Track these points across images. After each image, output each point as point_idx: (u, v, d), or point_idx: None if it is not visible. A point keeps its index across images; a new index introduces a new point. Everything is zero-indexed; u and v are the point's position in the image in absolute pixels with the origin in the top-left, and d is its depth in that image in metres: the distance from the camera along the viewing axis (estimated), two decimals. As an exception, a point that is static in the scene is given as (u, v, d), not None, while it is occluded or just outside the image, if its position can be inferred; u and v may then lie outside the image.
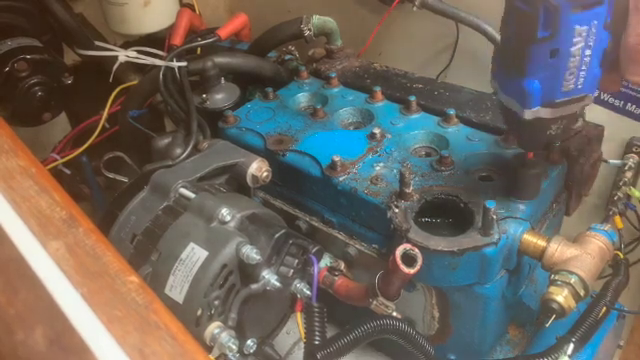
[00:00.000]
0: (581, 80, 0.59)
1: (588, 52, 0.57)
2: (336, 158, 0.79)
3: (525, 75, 0.59)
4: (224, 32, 1.16)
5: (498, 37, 0.79)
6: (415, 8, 1.12)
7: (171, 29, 1.18)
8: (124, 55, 1.12)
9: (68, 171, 1.15)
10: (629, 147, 1.02)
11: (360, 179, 0.78)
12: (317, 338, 0.66)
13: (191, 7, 1.27)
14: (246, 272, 0.67)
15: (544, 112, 0.61)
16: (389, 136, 0.86)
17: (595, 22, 0.56)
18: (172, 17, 1.21)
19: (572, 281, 0.64)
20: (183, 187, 0.74)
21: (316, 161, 0.82)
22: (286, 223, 0.77)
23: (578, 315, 0.70)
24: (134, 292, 0.41)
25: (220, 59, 1.02)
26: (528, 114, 0.61)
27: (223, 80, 1.02)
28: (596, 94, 0.76)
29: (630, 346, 0.94)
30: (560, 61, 0.58)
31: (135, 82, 1.15)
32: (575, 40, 0.56)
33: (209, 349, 0.65)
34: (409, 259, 0.63)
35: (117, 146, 1.09)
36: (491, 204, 0.65)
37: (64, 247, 0.44)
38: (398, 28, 1.25)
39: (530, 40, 0.57)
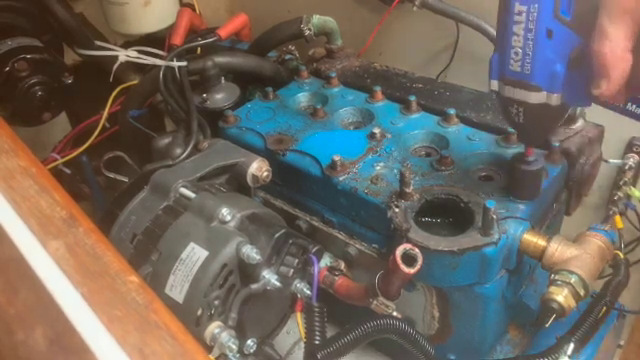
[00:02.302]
0: (528, 66, 0.60)
1: (530, 36, 0.59)
2: (336, 158, 0.79)
3: (495, 45, 0.64)
4: (224, 32, 1.16)
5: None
6: (415, 8, 1.12)
7: (171, 29, 1.18)
8: (124, 55, 1.12)
9: (68, 171, 1.15)
10: (629, 147, 1.02)
11: (360, 179, 0.78)
12: (317, 338, 0.66)
13: (191, 7, 1.27)
14: (246, 272, 0.67)
15: (501, 87, 0.65)
16: (389, 136, 0.86)
17: (535, 6, 0.57)
18: (172, 17, 1.21)
19: (572, 281, 0.64)
20: (183, 187, 0.74)
21: (316, 161, 0.82)
22: (286, 223, 0.77)
23: (578, 315, 0.70)
24: (134, 292, 0.41)
25: (220, 59, 1.02)
26: (490, 84, 0.66)
27: (223, 80, 1.02)
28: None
29: (630, 346, 0.94)
30: (507, 36, 0.60)
31: (135, 82, 1.15)
32: (516, 18, 0.59)
33: (209, 349, 0.65)
34: (409, 259, 0.63)
35: (117, 146, 1.09)
36: (491, 204, 0.65)
37: (64, 247, 0.44)
38: (398, 28, 1.25)
39: (499, 10, 0.61)
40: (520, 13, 0.58)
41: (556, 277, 0.66)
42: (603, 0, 0.53)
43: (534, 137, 0.69)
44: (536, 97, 0.62)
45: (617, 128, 0.97)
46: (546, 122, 0.65)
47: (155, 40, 1.22)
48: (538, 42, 0.58)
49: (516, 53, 0.60)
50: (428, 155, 0.84)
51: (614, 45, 0.54)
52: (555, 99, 0.61)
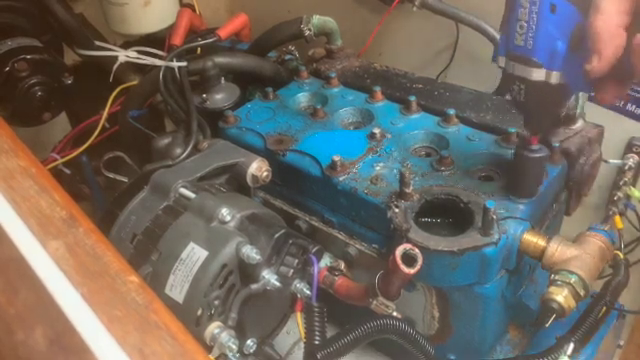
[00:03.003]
0: (530, 41, 0.61)
1: (535, 9, 0.59)
2: (336, 158, 0.79)
3: (503, 22, 0.65)
4: (224, 32, 1.16)
5: (498, 37, 0.79)
6: (415, 8, 1.13)
7: (171, 29, 1.18)
8: (124, 55, 1.12)
9: (68, 171, 1.15)
10: (629, 147, 1.02)
11: (360, 179, 0.78)
12: (317, 338, 0.66)
13: (191, 7, 1.27)
14: (246, 272, 0.67)
15: (507, 64, 0.65)
16: (389, 136, 0.86)
17: None
18: (172, 17, 1.21)
19: (572, 281, 0.64)
20: (183, 187, 0.74)
21: (316, 161, 0.82)
22: (286, 223, 0.77)
23: (578, 315, 0.70)
24: (134, 292, 0.41)
25: (220, 59, 1.02)
26: (498, 60, 0.66)
27: (223, 80, 1.02)
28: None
29: (630, 346, 0.94)
30: (515, 8, 0.61)
31: (135, 82, 1.15)
32: None
33: (209, 349, 0.65)
34: (409, 259, 0.63)
35: (117, 146, 1.09)
36: (491, 204, 0.65)
37: (64, 247, 0.44)
38: (398, 28, 1.25)
39: None
40: None
41: (556, 277, 0.66)
42: None
43: (536, 121, 0.69)
44: (537, 74, 0.62)
45: (617, 128, 0.97)
46: (547, 104, 0.66)
47: (155, 40, 1.22)
48: (541, 16, 0.59)
49: (521, 27, 0.61)
50: (428, 155, 0.84)
51: (607, 19, 0.54)
52: (555, 77, 0.62)
